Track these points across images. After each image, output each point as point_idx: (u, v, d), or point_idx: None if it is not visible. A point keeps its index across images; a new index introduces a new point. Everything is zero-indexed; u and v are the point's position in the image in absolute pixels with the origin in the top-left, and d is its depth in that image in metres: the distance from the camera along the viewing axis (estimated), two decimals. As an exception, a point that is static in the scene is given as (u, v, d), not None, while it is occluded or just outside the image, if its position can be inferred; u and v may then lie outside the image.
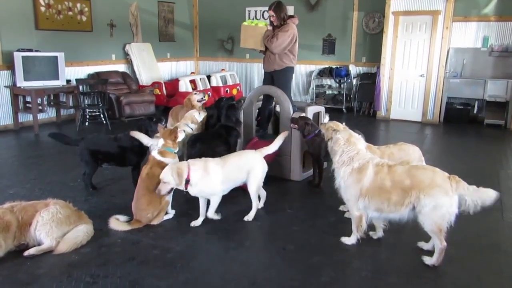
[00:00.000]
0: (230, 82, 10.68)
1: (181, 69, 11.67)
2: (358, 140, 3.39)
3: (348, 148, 3.29)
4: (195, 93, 5.83)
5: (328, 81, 10.33)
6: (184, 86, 9.43)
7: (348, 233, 3.43)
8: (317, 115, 5.58)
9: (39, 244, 3.22)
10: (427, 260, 3.10)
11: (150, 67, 10.12)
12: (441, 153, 6.81)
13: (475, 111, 8.78)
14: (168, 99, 9.57)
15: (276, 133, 5.42)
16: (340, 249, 3.36)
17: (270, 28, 5.55)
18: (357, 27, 9.86)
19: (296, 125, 4.69)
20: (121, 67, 9.82)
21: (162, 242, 3.47)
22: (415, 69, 8.89)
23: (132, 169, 4.61)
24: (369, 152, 3.42)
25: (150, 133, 4.49)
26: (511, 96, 8.21)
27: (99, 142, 4.60)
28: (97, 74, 8.94)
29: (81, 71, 8.86)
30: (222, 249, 3.42)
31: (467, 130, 8.30)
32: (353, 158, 3.22)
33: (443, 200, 2.90)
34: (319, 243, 3.50)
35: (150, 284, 2.87)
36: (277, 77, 5.58)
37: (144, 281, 2.90)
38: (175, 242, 3.48)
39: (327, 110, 9.59)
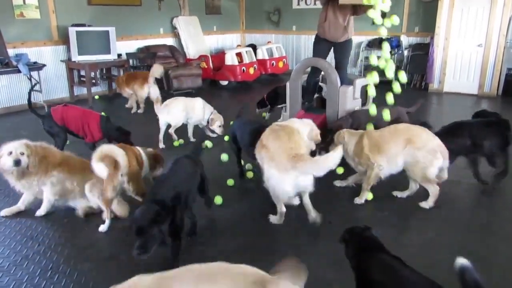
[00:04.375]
0: (276, 55, 10.57)
1: (227, 42, 11.68)
2: None
3: None
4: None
5: (378, 53, 9.96)
6: (230, 59, 9.44)
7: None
8: (365, 88, 5.43)
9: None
10: None
11: (196, 40, 10.20)
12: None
13: (538, 83, 8.19)
14: (215, 72, 9.65)
15: (323, 107, 5.35)
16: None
17: None
18: (410, -6, 9.37)
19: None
20: (169, 41, 9.97)
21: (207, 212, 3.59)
22: (472, 39, 8.36)
23: None
24: None
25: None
26: None
27: None
28: (146, 48, 9.14)
29: (131, 45, 9.10)
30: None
31: (529, 103, 7.77)
32: None
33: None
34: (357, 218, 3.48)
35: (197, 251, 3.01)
36: (341, 49, 5.21)
37: (192, 248, 3.02)
38: (221, 212, 3.60)
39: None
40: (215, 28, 11.27)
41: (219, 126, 5.57)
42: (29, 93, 4.85)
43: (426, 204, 3.60)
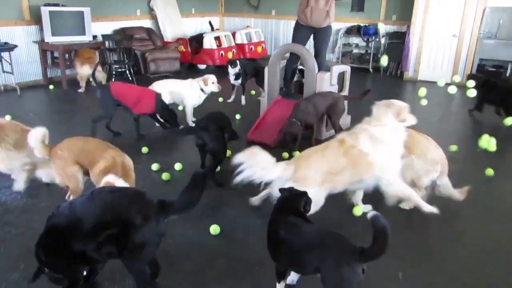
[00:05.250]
0: (255, 40, 10.53)
1: (206, 26, 11.54)
2: None
3: None
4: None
5: (355, 40, 10.06)
6: (208, 43, 9.36)
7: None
8: (341, 75, 5.51)
9: None
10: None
11: (174, 23, 10.04)
12: (467, 114, 6.64)
13: (507, 74, 8.45)
14: (193, 56, 9.55)
15: (300, 93, 5.40)
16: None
17: None
18: (389, -18, 9.45)
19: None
20: (146, 23, 9.78)
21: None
22: (447, 29, 8.54)
23: None
24: None
25: None
26: (548, 59, 7.84)
27: None
28: (123, 30, 8.95)
29: (107, 27, 8.89)
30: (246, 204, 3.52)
31: (498, 93, 8.02)
32: None
33: None
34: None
35: (179, 233, 3.04)
36: (321, 35, 5.21)
37: (173, 230, 3.04)
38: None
39: (353, 70, 9.50)
40: (193, 10, 11.10)
41: (213, 83, 5.56)
42: None
43: (406, 205, 3.42)
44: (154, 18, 9.86)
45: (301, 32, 5.24)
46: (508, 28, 8.27)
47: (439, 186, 3.41)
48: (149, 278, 2.38)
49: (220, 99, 6.87)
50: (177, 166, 4.23)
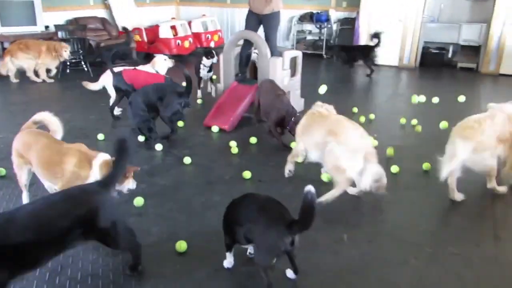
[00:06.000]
0: (211, 29, 10.62)
1: (161, 15, 11.50)
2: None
3: None
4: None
5: (309, 27, 10.37)
6: (164, 32, 9.38)
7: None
8: (294, 60, 5.77)
9: None
10: None
11: (129, 12, 9.97)
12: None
13: (449, 55, 9.04)
14: (149, 45, 9.55)
15: (255, 78, 5.61)
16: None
17: None
18: (339, -30, 9.79)
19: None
20: (101, 13, 9.66)
21: (148, 178, 3.78)
22: (393, 14, 8.98)
23: None
24: None
25: None
26: (484, 40, 8.44)
27: None
28: (76, 20, 8.82)
29: (59, 17, 8.73)
30: (204, 183, 3.74)
31: (442, 73, 8.59)
32: None
33: None
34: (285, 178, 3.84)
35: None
36: (267, 22, 5.41)
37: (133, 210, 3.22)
38: (161, 178, 3.80)
39: (308, 56, 9.77)
40: (148, 0, 11.04)
41: (165, 60, 6.08)
42: None
43: (324, 197, 3.25)
44: (108, 8, 9.75)
45: (250, 19, 5.49)
46: (449, 12, 8.84)
47: (368, 174, 3.24)
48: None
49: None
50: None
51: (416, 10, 8.76)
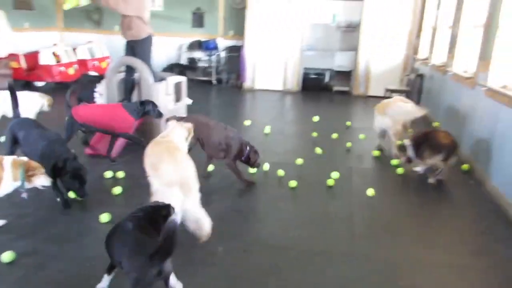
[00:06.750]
0: (98, 55, 10.35)
1: (43, 41, 10.90)
2: None
3: None
4: None
5: (198, 54, 10.66)
6: (45, 58, 8.92)
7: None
8: (178, 85, 5.92)
9: None
10: None
11: (4, 37, 9.29)
12: (298, 115, 7.70)
13: (326, 80, 9.97)
14: (29, 72, 8.99)
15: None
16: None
17: None
18: (224, 1, 10.29)
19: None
20: (-31, 38, 8.86)
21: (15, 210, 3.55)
22: (276, 43, 9.66)
23: None
24: None
25: None
26: (354, 66, 9.49)
27: None
28: None
29: None
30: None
31: (321, 96, 9.44)
32: None
33: None
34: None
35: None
36: (136, 48, 5.51)
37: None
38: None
39: (198, 82, 10.05)
40: (27, 25, 10.41)
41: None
42: None
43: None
44: (-22, 32, 9.00)
45: (126, 46, 5.61)
46: (324, 41, 9.79)
47: (186, 210, 2.90)
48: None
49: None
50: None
51: (295, 39, 9.55)
